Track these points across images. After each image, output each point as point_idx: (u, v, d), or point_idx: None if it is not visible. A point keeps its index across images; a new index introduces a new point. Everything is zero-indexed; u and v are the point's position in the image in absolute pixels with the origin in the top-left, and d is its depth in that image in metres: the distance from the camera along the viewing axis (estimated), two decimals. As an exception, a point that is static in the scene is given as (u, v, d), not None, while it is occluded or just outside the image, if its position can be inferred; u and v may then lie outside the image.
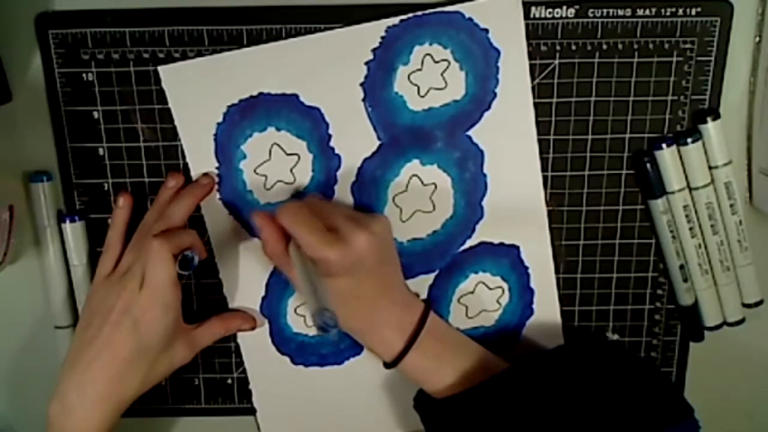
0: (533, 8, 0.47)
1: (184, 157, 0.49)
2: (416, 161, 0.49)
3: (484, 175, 0.50)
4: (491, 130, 0.49)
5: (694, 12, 0.47)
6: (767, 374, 0.55)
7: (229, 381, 0.54)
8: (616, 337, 0.53)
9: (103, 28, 0.47)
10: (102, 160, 0.50)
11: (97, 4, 0.47)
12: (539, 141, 0.49)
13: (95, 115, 0.49)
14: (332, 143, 0.49)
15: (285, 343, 0.53)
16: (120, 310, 0.44)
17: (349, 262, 0.42)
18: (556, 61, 0.48)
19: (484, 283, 0.52)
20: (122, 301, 0.44)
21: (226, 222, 0.50)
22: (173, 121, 0.48)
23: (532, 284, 0.52)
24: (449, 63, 0.48)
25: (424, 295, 0.52)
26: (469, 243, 0.51)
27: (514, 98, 0.48)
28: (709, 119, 0.48)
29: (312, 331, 0.52)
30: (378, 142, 0.49)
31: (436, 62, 0.48)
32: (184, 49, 0.47)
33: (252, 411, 0.54)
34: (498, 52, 0.47)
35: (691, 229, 0.50)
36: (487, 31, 0.47)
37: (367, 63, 0.48)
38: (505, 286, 0.52)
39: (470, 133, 0.49)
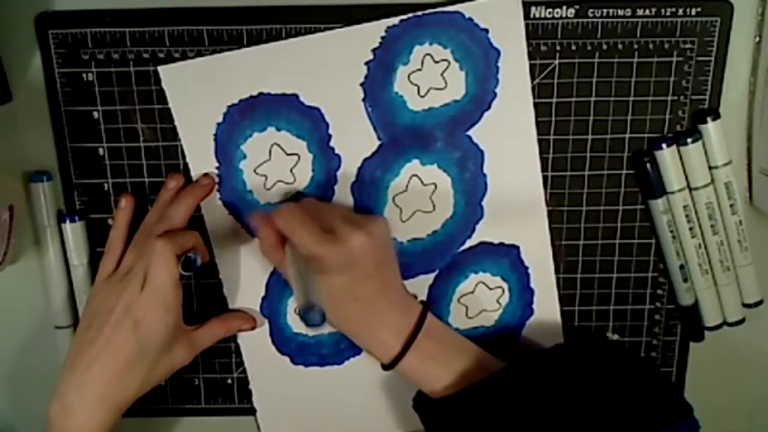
0: (533, 8, 0.47)
1: (184, 157, 0.49)
2: (416, 161, 0.49)
3: (484, 175, 0.50)
4: (491, 130, 0.49)
5: (694, 12, 0.47)
6: (767, 374, 0.55)
7: (229, 381, 0.54)
8: (616, 337, 0.53)
9: (103, 28, 0.47)
10: (102, 160, 0.50)
11: (97, 4, 0.47)
12: (539, 141, 0.49)
13: (95, 115, 0.49)
14: (332, 143, 0.49)
15: (285, 343, 0.53)
16: (121, 310, 0.44)
17: (343, 260, 0.42)
18: (556, 61, 0.48)
19: (484, 283, 0.52)
20: (123, 302, 0.44)
21: (226, 222, 0.50)
22: (173, 121, 0.48)
23: (532, 284, 0.52)
24: (449, 63, 0.48)
25: (424, 296, 0.52)
26: (469, 243, 0.51)
27: (514, 98, 0.48)
28: (709, 119, 0.48)
29: (312, 331, 0.52)
30: (378, 142, 0.49)
31: (436, 62, 0.48)
32: (184, 49, 0.47)
33: (252, 411, 0.54)
34: (498, 52, 0.47)
35: (691, 229, 0.50)
36: (487, 31, 0.47)
37: (367, 63, 0.48)
38: (505, 286, 0.52)
39: (470, 133, 0.49)
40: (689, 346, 0.54)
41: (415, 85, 0.48)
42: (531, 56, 0.48)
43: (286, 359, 0.53)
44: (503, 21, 0.47)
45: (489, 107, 0.48)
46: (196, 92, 0.48)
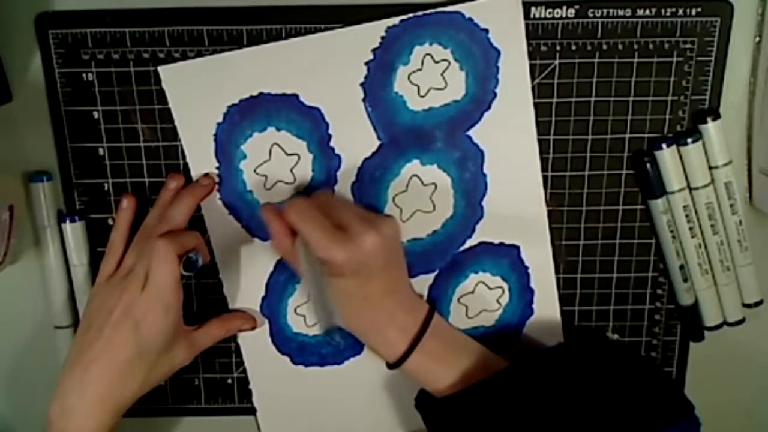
0: (533, 8, 0.47)
1: (184, 157, 0.49)
2: (416, 161, 0.49)
3: (484, 175, 0.50)
4: (491, 130, 0.49)
5: (694, 12, 0.47)
6: (767, 374, 0.55)
7: (229, 381, 0.54)
8: (616, 337, 0.53)
9: (103, 28, 0.47)
10: (102, 160, 0.50)
11: (97, 4, 0.47)
12: (539, 141, 0.49)
13: (95, 115, 0.49)
14: (332, 143, 0.49)
15: (285, 343, 0.53)
16: (121, 310, 0.44)
17: (355, 263, 0.42)
18: (556, 61, 0.48)
19: (484, 283, 0.52)
20: (123, 302, 0.44)
21: (226, 222, 0.50)
22: (173, 121, 0.48)
23: (532, 284, 0.52)
24: (449, 63, 0.48)
25: (424, 296, 0.52)
26: (469, 243, 0.51)
27: (514, 98, 0.48)
28: (709, 119, 0.48)
29: (312, 331, 0.52)
30: (378, 142, 0.49)
31: (436, 62, 0.48)
32: (184, 49, 0.47)
33: (252, 411, 0.54)
34: (498, 52, 0.47)
35: (691, 229, 0.50)
36: (487, 31, 0.47)
37: (367, 63, 0.48)
38: (505, 286, 0.52)
39: (470, 133, 0.49)
40: (689, 346, 0.54)
41: (415, 85, 0.48)
42: (531, 56, 0.48)
43: (286, 359, 0.53)
44: (503, 21, 0.47)
45: (489, 107, 0.48)
46: (196, 92, 0.48)
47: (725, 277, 0.51)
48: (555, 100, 0.49)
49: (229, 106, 0.48)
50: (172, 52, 0.47)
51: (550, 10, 0.47)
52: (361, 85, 0.48)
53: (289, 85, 0.48)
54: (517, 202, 0.50)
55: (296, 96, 0.48)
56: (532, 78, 0.48)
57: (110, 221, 0.50)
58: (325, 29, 0.47)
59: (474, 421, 0.43)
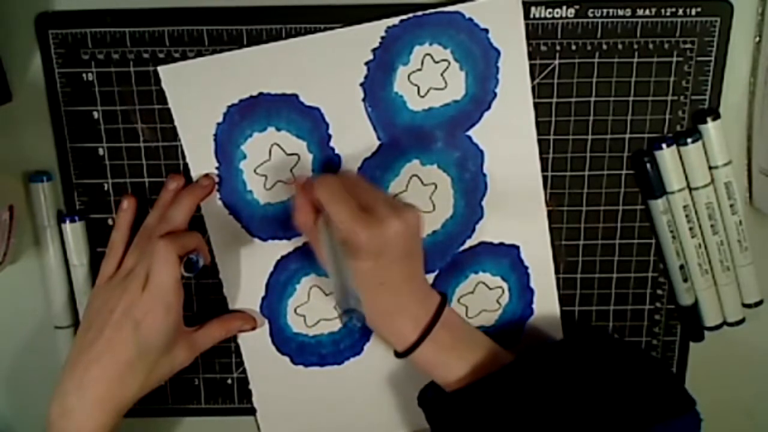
0: (533, 8, 0.47)
1: (184, 157, 0.49)
2: (416, 161, 0.49)
3: (484, 175, 0.50)
4: (491, 130, 0.49)
5: (694, 12, 0.47)
6: (767, 374, 0.55)
7: (229, 381, 0.54)
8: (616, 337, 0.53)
9: (103, 28, 0.47)
10: (102, 160, 0.50)
11: (97, 4, 0.47)
12: (539, 141, 0.49)
13: (95, 115, 0.49)
14: (332, 143, 0.49)
15: (285, 343, 0.53)
16: (122, 311, 0.44)
17: (377, 246, 0.42)
18: (556, 61, 0.48)
19: (484, 283, 0.52)
20: (124, 303, 0.44)
21: (226, 222, 0.50)
22: (173, 121, 0.48)
23: (532, 284, 0.52)
24: (449, 63, 0.48)
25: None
26: (469, 243, 0.51)
27: (514, 98, 0.48)
28: (709, 119, 0.48)
29: (312, 331, 0.52)
30: (378, 142, 0.49)
31: (436, 62, 0.48)
32: (184, 49, 0.47)
33: (252, 411, 0.54)
34: (498, 52, 0.47)
35: (691, 229, 0.50)
36: (487, 31, 0.47)
37: (367, 63, 0.48)
38: (505, 286, 0.52)
39: (470, 133, 0.49)
40: (689, 346, 0.54)
41: (415, 85, 0.48)
42: (531, 56, 0.48)
43: (286, 359, 0.53)
44: (503, 21, 0.47)
45: (489, 107, 0.48)
46: (196, 92, 0.48)
47: (725, 277, 0.51)
48: (555, 100, 0.49)
49: (229, 106, 0.48)
50: (172, 52, 0.47)
51: (550, 10, 0.47)
52: (361, 85, 0.48)
53: (289, 85, 0.48)
54: (517, 202, 0.50)
55: (296, 96, 0.48)
56: (532, 78, 0.48)
57: (110, 221, 0.50)
58: (325, 29, 0.47)
59: (480, 416, 0.43)
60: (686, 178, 0.49)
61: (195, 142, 0.49)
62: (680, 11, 0.47)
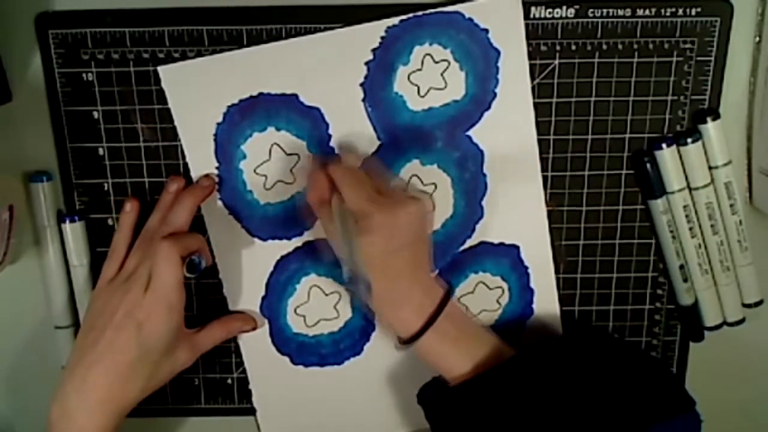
0: (533, 8, 0.47)
1: (184, 157, 0.49)
2: (416, 161, 0.49)
3: (484, 175, 0.50)
4: (491, 130, 0.49)
5: (694, 12, 0.47)
6: (767, 374, 0.55)
7: (229, 381, 0.54)
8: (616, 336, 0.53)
9: (103, 28, 0.47)
10: (102, 160, 0.50)
11: (97, 4, 0.47)
12: (539, 141, 0.49)
13: (95, 115, 0.49)
14: (332, 143, 0.49)
15: (285, 343, 0.53)
16: (123, 312, 0.44)
17: (389, 228, 0.42)
18: (556, 61, 0.48)
19: (484, 283, 0.52)
20: (126, 304, 0.44)
21: (226, 222, 0.50)
22: (173, 121, 0.48)
23: (532, 284, 0.52)
24: (449, 63, 0.48)
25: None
26: (469, 243, 0.51)
27: (514, 98, 0.48)
28: (709, 119, 0.48)
29: (312, 331, 0.52)
30: (378, 142, 0.49)
31: (436, 62, 0.48)
32: (184, 49, 0.47)
33: (252, 411, 0.54)
34: (498, 52, 0.47)
35: (691, 229, 0.50)
36: (487, 31, 0.47)
37: (367, 63, 0.48)
38: (505, 286, 0.52)
39: (470, 133, 0.49)
40: (689, 346, 0.54)
41: (415, 85, 0.48)
42: (531, 56, 0.48)
43: (286, 359, 0.53)
44: (503, 21, 0.47)
45: (489, 107, 0.48)
46: (196, 92, 0.48)
47: (725, 277, 0.51)
48: (555, 100, 0.49)
49: (229, 106, 0.48)
50: (172, 52, 0.47)
51: (550, 10, 0.47)
52: (361, 85, 0.48)
53: (289, 85, 0.48)
54: (517, 202, 0.50)
55: (296, 96, 0.48)
56: (532, 78, 0.48)
57: (110, 221, 0.50)
58: (325, 29, 0.47)
59: (481, 411, 0.43)
60: (686, 178, 0.49)
61: (195, 142, 0.49)
62: (680, 11, 0.47)
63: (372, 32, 0.47)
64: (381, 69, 0.48)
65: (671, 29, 0.47)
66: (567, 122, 0.49)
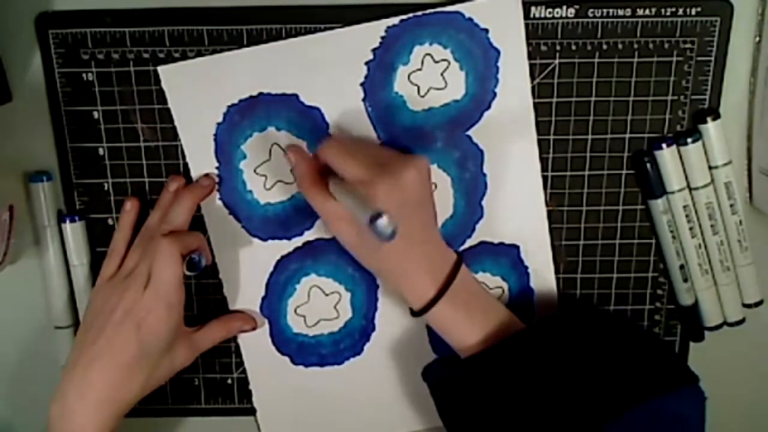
0: (533, 8, 0.47)
1: (184, 157, 0.49)
2: (416, 161, 0.49)
3: (484, 175, 0.50)
4: (491, 130, 0.49)
5: (694, 12, 0.47)
6: (767, 374, 0.55)
7: (229, 381, 0.54)
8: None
9: (103, 28, 0.47)
10: (102, 160, 0.50)
11: (97, 4, 0.47)
12: (539, 141, 0.49)
13: (95, 115, 0.49)
14: (332, 143, 0.49)
15: (285, 343, 0.53)
16: (123, 311, 0.44)
17: (395, 194, 0.42)
18: (556, 61, 0.48)
19: (484, 283, 0.52)
20: (125, 302, 0.44)
21: (226, 222, 0.50)
22: (173, 121, 0.48)
23: (532, 284, 0.52)
24: (449, 63, 0.48)
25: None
26: (469, 243, 0.51)
27: (514, 98, 0.48)
28: (709, 119, 0.48)
29: (312, 331, 0.52)
30: (378, 142, 0.49)
31: (436, 62, 0.48)
32: (184, 49, 0.47)
33: (252, 411, 0.54)
34: (498, 52, 0.47)
35: (691, 229, 0.50)
36: (487, 31, 0.47)
37: (367, 63, 0.48)
38: (505, 286, 0.52)
39: (470, 132, 0.49)
40: (689, 346, 0.54)
41: (415, 85, 0.48)
42: (531, 56, 0.48)
43: (286, 359, 0.53)
44: (503, 21, 0.47)
45: (489, 107, 0.48)
46: (196, 92, 0.48)
47: (725, 277, 0.51)
48: (555, 100, 0.49)
49: (229, 106, 0.48)
50: (172, 52, 0.47)
51: (550, 10, 0.47)
52: (361, 85, 0.48)
53: (289, 85, 0.48)
54: (517, 202, 0.50)
55: (296, 96, 0.48)
56: (532, 78, 0.48)
57: (110, 221, 0.50)
58: (325, 29, 0.47)
59: (490, 384, 0.43)
60: (686, 178, 0.49)
61: (195, 142, 0.49)
62: (680, 11, 0.47)
63: (372, 32, 0.47)
64: (381, 69, 0.48)
65: (671, 29, 0.47)
66: (567, 122, 0.49)
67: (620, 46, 0.48)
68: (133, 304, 0.44)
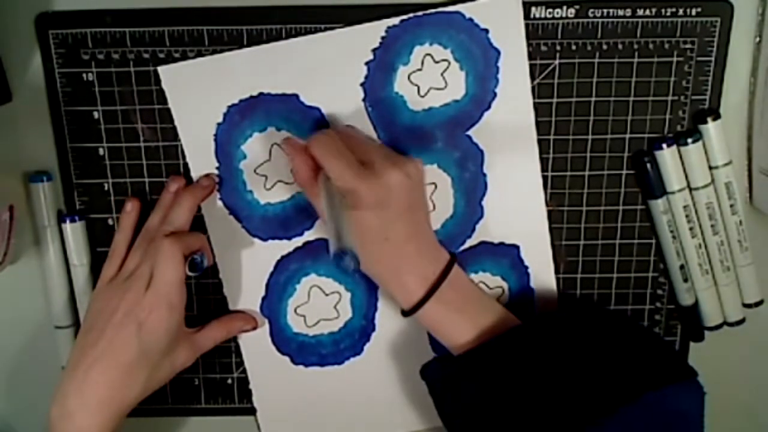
0: (533, 8, 0.47)
1: (184, 157, 0.49)
2: (416, 161, 0.49)
3: (484, 175, 0.50)
4: (491, 130, 0.49)
5: (694, 12, 0.47)
6: (767, 374, 0.55)
7: (229, 381, 0.54)
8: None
9: (103, 28, 0.47)
10: (102, 160, 0.50)
11: (97, 4, 0.47)
12: (539, 141, 0.49)
13: (95, 115, 0.49)
14: (332, 143, 0.49)
15: (285, 343, 0.53)
16: (124, 311, 0.44)
17: (378, 197, 0.42)
18: (556, 61, 0.48)
19: (484, 283, 0.52)
20: (126, 303, 0.44)
21: (226, 222, 0.50)
22: (173, 121, 0.48)
23: (532, 284, 0.52)
24: (449, 63, 0.48)
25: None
26: (469, 243, 0.51)
27: (514, 98, 0.48)
28: (709, 119, 0.48)
29: (312, 331, 0.52)
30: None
31: (436, 62, 0.48)
32: (184, 49, 0.47)
33: (252, 411, 0.54)
34: (498, 52, 0.47)
35: (691, 229, 0.50)
36: (487, 31, 0.47)
37: (367, 63, 0.48)
38: (505, 286, 0.52)
39: (470, 132, 0.49)
40: (689, 346, 0.54)
41: (415, 85, 0.48)
42: (531, 56, 0.48)
43: (286, 359, 0.53)
44: (503, 21, 0.47)
45: (489, 107, 0.48)
46: (196, 92, 0.48)
47: (725, 277, 0.51)
48: (555, 100, 0.49)
49: (229, 106, 0.48)
50: (172, 52, 0.47)
51: (550, 10, 0.47)
52: (361, 85, 0.48)
53: (289, 85, 0.48)
54: (517, 202, 0.50)
55: (296, 96, 0.48)
56: (532, 78, 0.48)
57: (110, 221, 0.50)
58: (325, 29, 0.47)
59: (485, 380, 0.43)
60: (686, 178, 0.49)
61: (195, 142, 0.49)
62: (680, 11, 0.47)
63: (372, 32, 0.47)
64: (381, 69, 0.48)
65: (671, 29, 0.47)
66: (567, 122, 0.49)
67: (620, 46, 0.48)
68: (135, 304, 0.44)
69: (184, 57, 0.47)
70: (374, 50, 0.47)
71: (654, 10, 0.47)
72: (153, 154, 0.49)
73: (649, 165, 0.49)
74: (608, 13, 0.47)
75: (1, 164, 0.49)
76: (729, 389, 0.54)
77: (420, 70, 0.48)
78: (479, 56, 0.47)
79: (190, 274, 0.45)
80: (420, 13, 0.47)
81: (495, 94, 0.48)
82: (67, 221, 0.50)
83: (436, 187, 0.50)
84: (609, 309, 0.53)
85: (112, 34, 0.47)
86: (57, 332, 0.52)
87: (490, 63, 0.48)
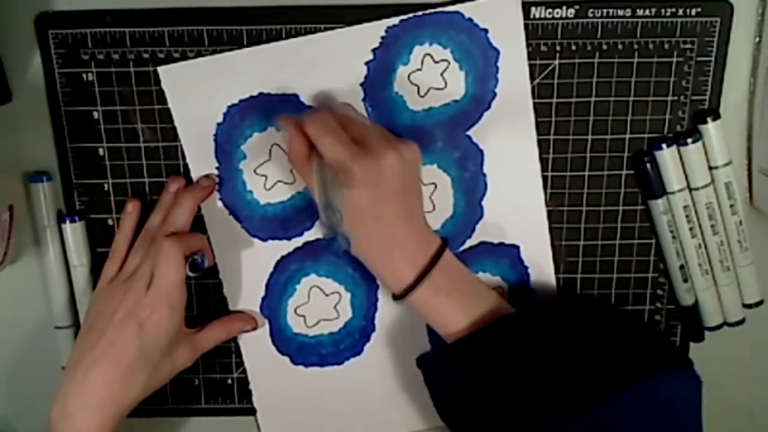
0: (533, 8, 0.47)
1: (184, 158, 0.49)
2: (416, 161, 0.49)
3: (484, 175, 0.50)
4: (491, 130, 0.49)
5: (694, 12, 0.47)
6: (767, 374, 0.55)
7: (229, 381, 0.54)
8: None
9: (103, 28, 0.47)
10: (102, 160, 0.50)
11: (97, 4, 0.47)
12: (539, 141, 0.49)
13: (95, 115, 0.49)
14: (332, 143, 0.49)
15: (285, 343, 0.53)
16: (124, 312, 0.44)
17: (371, 176, 0.42)
18: (556, 61, 0.48)
19: (484, 283, 0.52)
20: (127, 303, 0.44)
21: (226, 222, 0.50)
22: (173, 121, 0.48)
23: (532, 284, 0.52)
24: (449, 63, 0.48)
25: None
26: (469, 243, 0.51)
27: (513, 98, 0.48)
28: (709, 119, 0.48)
29: (312, 332, 0.52)
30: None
31: (436, 62, 0.48)
32: (184, 49, 0.47)
33: (252, 411, 0.54)
34: (498, 52, 0.47)
35: (691, 229, 0.50)
36: (486, 31, 0.47)
37: (367, 63, 0.48)
38: (505, 286, 0.52)
39: (470, 132, 0.49)
40: (689, 346, 0.54)
41: (415, 85, 0.48)
42: (531, 56, 0.48)
43: (286, 359, 0.53)
44: (503, 21, 0.47)
45: (489, 107, 0.48)
46: (196, 92, 0.48)
47: (725, 277, 0.51)
48: (555, 100, 0.49)
49: (229, 106, 0.48)
50: (172, 52, 0.47)
51: (550, 10, 0.47)
52: (361, 85, 0.48)
53: (289, 85, 0.48)
54: (517, 202, 0.50)
55: (296, 96, 0.48)
56: (532, 78, 0.48)
57: (110, 221, 0.50)
58: (325, 29, 0.47)
59: (478, 368, 0.42)
60: (686, 178, 0.49)
61: (195, 143, 0.49)
62: (680, 11, 0.47)
63: (372, 32, 0.47)
64: (381, 69, 0.48)
65: (671, 29, 0.47)
66: (567, 122, 0.49)
67: (620, 46, 0.48)
68: (136, 305, 0.44)
69: (184, 57, 0.47)
70: (374, 50, 0.47)
71: (654, 10, 0.47)
72: (153, 154, 0.49)
73: (649, 165, 0.49)
74: (608, 13, 0.47)
75: (1, 164, 0.49)
76: (729, 389, 0.54)
77: (420, 70, 0.48)
78: (479, 56, 0.48)
79: (191, 274, 0.45)
80: (420, 13, 0.47)
81: (495, 94, 0.48)
82: (67, 221, 0.50)
83: (436, 187, 0.50)
84: (604, 299, 0.52)
85: (112, 34, 0.47)
86: (57, 332, 0.52)
87: (490, 63, 0.48)
